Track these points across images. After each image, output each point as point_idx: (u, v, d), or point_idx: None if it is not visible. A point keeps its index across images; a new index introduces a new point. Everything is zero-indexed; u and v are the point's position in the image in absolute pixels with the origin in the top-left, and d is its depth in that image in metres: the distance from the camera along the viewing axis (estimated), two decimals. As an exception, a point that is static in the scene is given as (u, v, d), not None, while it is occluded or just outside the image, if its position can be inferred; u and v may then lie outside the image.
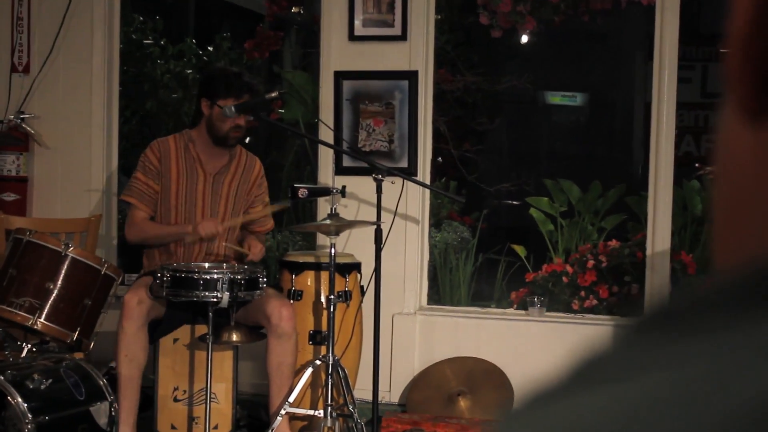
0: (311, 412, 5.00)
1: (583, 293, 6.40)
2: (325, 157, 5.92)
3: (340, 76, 5.94)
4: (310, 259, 5.38)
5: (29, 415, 4.10)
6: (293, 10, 9.35)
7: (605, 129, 14.73)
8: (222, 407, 5.18)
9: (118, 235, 6.24)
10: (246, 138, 6.29)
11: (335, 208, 4.92)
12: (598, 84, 14.44)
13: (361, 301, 5.36)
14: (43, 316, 4.64)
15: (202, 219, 5.06)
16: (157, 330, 5.05)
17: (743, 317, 0.27)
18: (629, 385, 0.27)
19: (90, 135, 6.21)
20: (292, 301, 5.14)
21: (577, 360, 0.29)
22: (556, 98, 14.88)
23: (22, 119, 6.11)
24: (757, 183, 0.36)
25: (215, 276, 4.68)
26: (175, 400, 5.21)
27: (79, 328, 4.72)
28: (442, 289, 6.95)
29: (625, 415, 0.26)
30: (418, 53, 5.87)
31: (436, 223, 7.59)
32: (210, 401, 4.84)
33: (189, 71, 9.51)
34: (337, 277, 5.04)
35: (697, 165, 12.53)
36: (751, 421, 0.24)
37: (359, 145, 5.89)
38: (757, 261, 0.29)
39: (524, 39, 8.62)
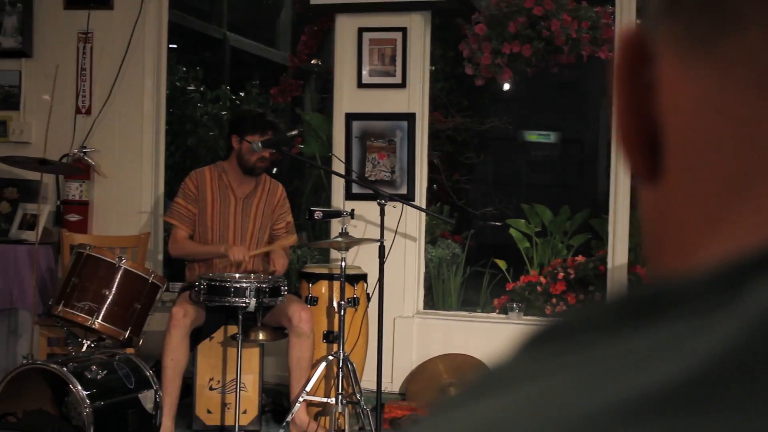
0: (325, 400, 4.98)
1: (554, 300, 6.38)
2: (338, 185, 5.93)
3: (350, 117, 5.94)
4: (324, 271, 5.37)
5: (87, 401, 4.08)
6: (312, 62, 9.37)
7: (574, 162, 14.74)
8: (250, 395, 5.17)
9: (163, 250, 6.23)
10: (273, 169, 6.29)
11: (345, 228, 4.92)
12: (569, 124, 14.45)
13: (367, 306, 5.34)
14: (100, 317, 4.63)
15: (234, 244, 5.05)
16: (199, 336, 5.06)
17: (614, 334, 0.27)
18: (505, 395, 0.27)
19: (141, 166, 6.21)
20: (309, 306, 5.14)
21: (480, 371, 0.30)
22: (533, 136, 14.89)
23: (85, 153, 6.12)
24: (657, 232, 0.37)
25: (244, 284, 4.67)
26: (211, 388, 5.20)
27: (130, 328, 4.71)
28: (436, 296, 6.93)
29: (491, 424, 0.26)
30: (415, 98, 5.87)
31: (431, 240, 7.58)
32: (240, 390, 4.83)
33: (224, 113, 9.52)
34: (347, 286, 5.03)
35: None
36: (597, 427, 0.24)
37: (366, 175, 5.89)
38: (641, 287, 0.29)
39: (505, 87, 8.63)
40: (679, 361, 0.24)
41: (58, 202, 6.09)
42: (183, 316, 4.82)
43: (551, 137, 14.99)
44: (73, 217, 6.06)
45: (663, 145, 0.35)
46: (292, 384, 4.97)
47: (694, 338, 0.25)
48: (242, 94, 10.17)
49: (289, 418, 4.88)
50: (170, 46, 6.53)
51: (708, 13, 0.31)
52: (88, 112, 6.23)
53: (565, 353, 0.27)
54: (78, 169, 6.01)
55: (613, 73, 0.36)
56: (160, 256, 6.24)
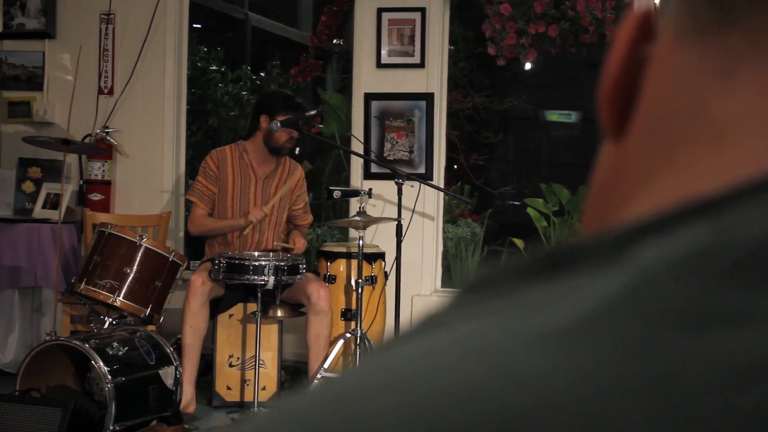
0: (343, 376, 5.02)
1: (571, 279, 6.40)
2: (356, 165, 5.95)
3: (369, 97, 5.96)
4: (343, 249, 5.40)
5: (109, 377, 4.13)
6: (333, 41, 9.39)
7: (595, 142, 14.68)
8: (269, 372, 5.22)
9: (184, 228, 6.29)
10: (296, 149, 6.32)
11: (363, 207, 4.94)
12: (590, 104, 14.40)
13: (385, 284, 5.37)
14: (122, 295, 4.67)
15: (254, 207, 5.09)
16: (217, 308, 5.10)
17: (527, 285, 0.32)
18: (437, 334, 0.31)
19: (162, 145, 6.26)
20: (327, 284, 5.17)
21: (420, 318, 0.34)
22: (553, 116, 14.84)
23: (107, 133, 6.17)
24: (603, 184, 0.41)
25: (263, 263, 4.71)
26: (230, 365, 5.25)
27: (150, 305, 4.75)
28: (454, 275, 6.96)
29: (423, 357, 0.30)
30: (434, 78, 5.88)
31: (452, 219, 7.60)
32: (259, 367, 4.88)
33: (245, 93, 9.55)
34: (365, 264, 5.06)
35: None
36: (515, 351, 0.29)
37: (384, 155, 5.91)
38: (554, 246, 0.34)
39: (526, 66, 8.61)
40: (575, 305, 0.30)
41: (81, 182, 6.14)
42: (201, 284, 4.87)
43: (572, 117, 14.94)
44: (96, 197, 6.11)
45: (633, 110, 0.39)
46: (310, 361, 5.01)
47: (588, 287, 0.30)
48: (263, 74, 10.19)
49: (307, 395, 4.92)
50: (192, 25, 6.55)
51: (714, 5, 0.36)
52: (111, 92, 6.27)
53: (492, 299, 0.32)
54: (100, 149, 6.06)
55: (615, 41, 0.41)
56: (181, 234, 6.30)
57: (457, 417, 0.27)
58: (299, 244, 5.16)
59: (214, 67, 9.51)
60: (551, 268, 0.32)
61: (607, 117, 0.40)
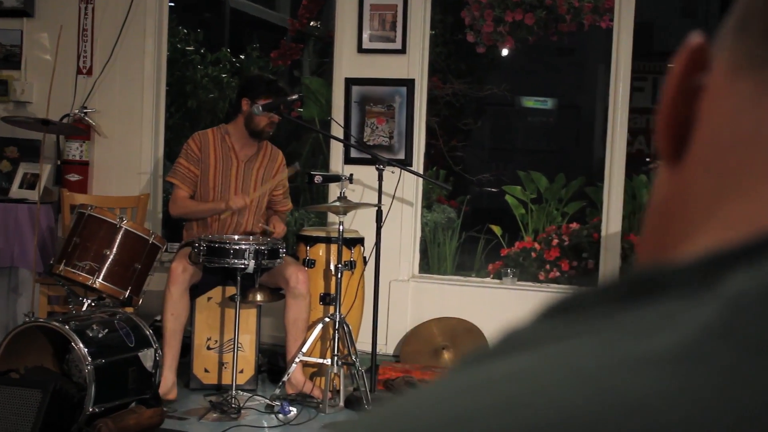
0: (321, 361, 5.04)
1: (548, 266, 6.45)
2: (336, 150, 5.96)
3: (349, 82, 5.96)
4: (322, 234, 5.41)
5: (89, 358, 4.13)
6: (311, 24, 9.36)
7: (571, 129, 14.75)
8: (247, 355, 5.23)
9: (162, 211, 6.28)
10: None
11: (344, 192, 4.96)
12: (566, 91, 14.44)
13: (364, 270, 5.38)
14: (101, 276, 4.67)
15: (235, 194, 5.10)
16: (195, 292, 5.11)
17: (621, 308, 0.34)
18: (534, 352, 0.33)
19: (141, 127, 6.24)
20: (306, 268, 5.19)
21: (498, 337, 0.36)
22: (530, 102, 14.89)
23: (85, 113, 6.14)
24: (663, 210, 0.44)
25: (243, 246, 4.72)
26: (208, 348, 5.26)
27: (130, 287, 4.75)
28: (431, 261, 6.98)
29: (526, 375, 0.32)
30: (415, 64, 5.89)
31: (427, 205, 7.62)
32: (237, 350, 4.89)
33: (224, 75, 9.52)
34: (344, 249, 5.08)
35: (648, 160, 12.57)
36: (622, 375, 0.31)
37: (365, 140, 5.92)
38: (638, 270, 0.36)
39: (504, 53, 8.63)
40: (673, 332, 0.32)
41: (59, 162, 6.12)
42: (182, 272, 4.88)
43: (548, 103, 15.00)
44: (73, 177, 6.09)
45: (690, 137, 0.42)
46: (288, 344, 5.03)
47: (682, 315, 0.32)
48: (242, 57, 10.16)
49: (285, 378, 4.94)
50: (170, 4, 6.51)
51: (767, 40, 0.39)
52: (89, 72, 6.24)
53: (583, 321, 0.34)
54: (79, 129, 6.04)
55: (670, 72, 0.44)
56: (160, 216, 6.29)
57: None
58: (279, 228, 5.17)
59: (193, 49, 9.46)
60: (637, 293, 0.34)
61: (664, 144, 0.43)
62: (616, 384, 0.30)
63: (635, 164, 7.33)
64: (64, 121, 6.08)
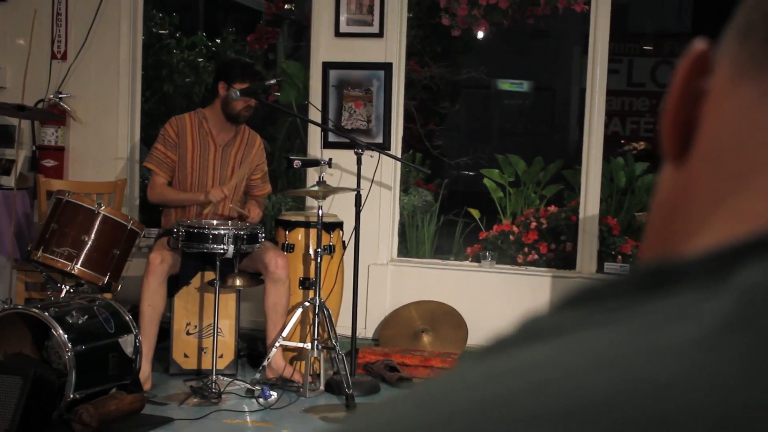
0: (301, 345, 5.05)
1: (526, 249, 6.48)
2: (314, 134, 5.96)
3: (327, 66, 5.96)
4: (301, 218, 5.41)
5: (69, 345, 4.12)
6: (286, 7, 9.33)
7: (547, 112, 14.80)
8: (226, 340, 5.24)
9: (139, 196, 6.26)
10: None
11: (322, 176, 4.96)
12: (542, 73, 14.48)
13: (343, 254, 5.39)
14: (80, 262, 4.66)
15: (212, 187, 5.09)
16: (176, 285, 5.11)
17: (638, 300, 0.36)
18: (557, 341, 0.34)
19: (117, 112, 6.21)
20: (285, 253, 5.19)
21: (519, 322, 0.37)
22: (506, 85, 14.92)
23: (60, 98, 6.11)
24: (669, 206, 0.46)
25: (222, 231, 4.72)
26: (188, 333, 5.26)
27: (109, 273, 4.75)
28: (409, 244, 6.99)
29: (552, 362, 0.33)
30: (392, 48, 5.90)
31: (405, 189, 7.63)
32: (216, 335, 4.90)
33: (200, 60, 9.48)
34: (324, 234, 5.09)
35: (622, 141, 12.62)
36: (648, 363, 0.32)
37: (342, 124, 5.93)
38: (653, 263, 0.37)
39: (480, 35, 8.64)
40: (694, 322, 0.33)
41: (34, 148, 6.09)
42: (160, 263, 4.88)
43: (524, 86, 15.03)
44: (49, 163, 6.07)
45: (694, 137, 0.44)
46: (268, 329, 5.04)
47: (700, 306, 0.34)
48: (218, 41, 10.12)
49: (265, 363, 4.96)
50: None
51: None
52: (64, 57, 6.21)
53: (602, 312, 0.36)
54: (54, 114, 6.01)
55: (674, 74, 0.45)
56: (137, 203, 6.27)
57: (616, 420, 0.30)
58: (254, 213, 5.17)
59: (169, 33, 9.41)
60: (655, 285, 0.36)
61: (669, 143, 0.45)
62: (644, 369, 0.32)
63: (611, 146, 7.37)
64: (39, 106, 6.04)
